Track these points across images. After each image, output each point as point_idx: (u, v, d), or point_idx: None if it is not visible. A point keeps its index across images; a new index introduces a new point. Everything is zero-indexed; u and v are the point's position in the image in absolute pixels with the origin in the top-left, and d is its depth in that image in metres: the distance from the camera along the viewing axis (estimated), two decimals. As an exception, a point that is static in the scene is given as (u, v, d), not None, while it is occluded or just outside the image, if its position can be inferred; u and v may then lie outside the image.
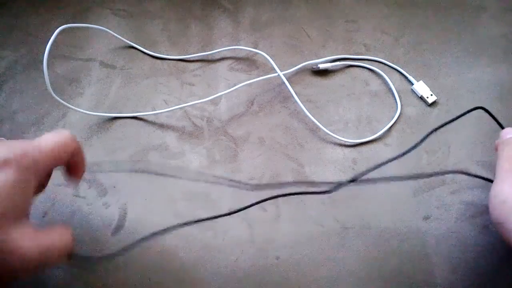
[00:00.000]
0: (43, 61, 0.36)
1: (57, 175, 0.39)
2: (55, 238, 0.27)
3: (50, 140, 0.28)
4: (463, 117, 0.42)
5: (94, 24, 0.44)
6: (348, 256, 0.36)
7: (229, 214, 0.36)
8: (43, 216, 0.37)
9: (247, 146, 0.41)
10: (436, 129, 0.38)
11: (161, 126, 0.42)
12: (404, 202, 0.38)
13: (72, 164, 0.30)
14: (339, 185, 0.37)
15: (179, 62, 0.45)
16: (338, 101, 0.43)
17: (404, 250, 0.36)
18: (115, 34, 0.45)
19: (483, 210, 0.37)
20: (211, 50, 0.45)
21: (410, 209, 0.38)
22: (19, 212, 0.25)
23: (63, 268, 0.35)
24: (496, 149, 0.34)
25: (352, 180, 0.37)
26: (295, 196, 0.38)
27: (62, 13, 0.48)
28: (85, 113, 0.41)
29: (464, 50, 0.46)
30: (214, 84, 0.44)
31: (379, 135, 0.41)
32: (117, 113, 0.42)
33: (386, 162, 0.37)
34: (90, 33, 0.47)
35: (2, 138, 0.31)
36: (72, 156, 0.29)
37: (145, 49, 0.46)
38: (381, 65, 0.45)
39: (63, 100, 0.40)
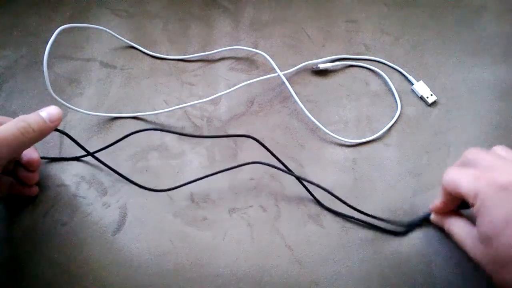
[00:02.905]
0: (43, 61, 0.36)
1: (57, 175, 0.39)
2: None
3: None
4: (463, 118, 0.42)
5: (94, 24, 0.44)
6: (348, 256, 0.36)
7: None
8: (43, 216, 0.37)
9: (247, 146, 0.41)
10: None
11: (161, 126, 0.42)
12: (404, 202, 0.38)
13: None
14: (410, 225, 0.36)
15: (179, 62, 0.45)
16: (338, 101, 0.43)
17: (404, 250, 0.36)
18: (115, 34, 0.45)
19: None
20: (211, 50, 0.45)
21: (410, 209, 0.38)
22: None
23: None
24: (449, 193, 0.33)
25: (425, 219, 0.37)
26: (295, 196, 0.38)
27: (62, 13, 0.48)
28: (85, 113, 0.41)
29: (464, 50, 0.46)
30: (214, 84, 0.44)
31: (379, 135, 0.41)
32: (117, 113, 0.42)
33: None
34: (90, 33, 0.47)
35: None
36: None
37: (145, 49, 0.46)
38: (381, 65, 0.45)
39: (63, 100, 0.40)
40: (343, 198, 0.38)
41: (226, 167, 0.37)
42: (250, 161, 0.37)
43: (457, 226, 0.32)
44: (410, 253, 0.36)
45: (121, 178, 0.39)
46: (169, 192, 0.38)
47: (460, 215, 0.34)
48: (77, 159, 0.40)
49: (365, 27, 0.47)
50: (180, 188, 0.38)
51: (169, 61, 0.45)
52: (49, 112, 0.33)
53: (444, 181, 0.32)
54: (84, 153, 0.38)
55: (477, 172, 0.30)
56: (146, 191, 0.38)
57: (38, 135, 0.32)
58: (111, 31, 0.44)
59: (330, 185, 0.39)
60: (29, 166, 0.36)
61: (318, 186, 0.35)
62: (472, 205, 0.29)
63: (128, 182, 0.38)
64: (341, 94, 0.43)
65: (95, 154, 0.38)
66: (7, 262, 0.35)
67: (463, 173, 0.30)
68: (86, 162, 0.40)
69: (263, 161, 0.37)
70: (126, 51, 0.46)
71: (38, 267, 0.35)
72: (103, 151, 0.40)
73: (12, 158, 0.34)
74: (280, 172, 0.39)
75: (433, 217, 0.36)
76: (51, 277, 0.35)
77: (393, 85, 0.43)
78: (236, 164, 0.37)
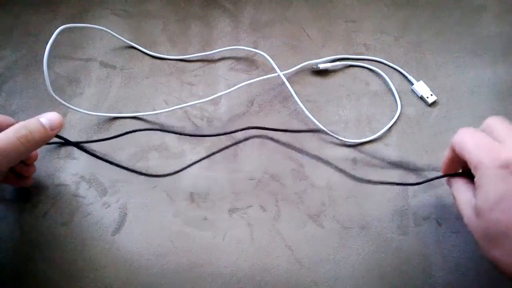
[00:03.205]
0: (43, 61, 0.36)
1: (56, 174, 0.39)
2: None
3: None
4: (463, 118, 0.42)
5: (94, 24, 0.44)
6: (348, 256, 0.36)
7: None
8: (43, 216, 0.37)
9: (247, 146, 0.41)
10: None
11: (161, 126, 0.42)
12: (404, 202, 0.38)
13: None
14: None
15: (179, 62, 0.45)
16: (338, 101, 0.43)
17: (404, 250, 0.36)
18: (115, 34, 0.45)
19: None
20: (211, 50, 0.45)
21: (410, 209, 0.38)
22: None
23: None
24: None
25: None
26: (295, 196, 0.38)
27: (62, 13, 0.48)
28: (85, 113, 0.41)
29: (464, 50, 0.46)
30: (214, 84, 0.44)
31: (379, 135, 0.41)
32: (117, 113, 0.42)
33: None
34: (90, 33, 0.47)
35: None
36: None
37: (145, 49, 0.46)
38: (381, 65, 0.45)
39: (63, 100, 0.40)
40: (343, 198, 0.38)
41: (226, 168, 0.37)
42: (251, 160, 0.37)
43: (460, 192, 0.32)
44: (410, 253, 0.36)
45: (120, 178, 0.39)
46: (169, 192, 0.38)
47: (468, 180, 0.32)
48: (68, 144, 0.40)
49: (365, 27, 0.47)
50: (180, 188, 0.38)
51: (169, 61, 0.45)
52: (50, 119, 0.31)
53: (454, 140, 0.32)
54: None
55: (487, 141, 0.29)
56: (146, 191, 0.38)
57: (38, 144, 0.31)
58: (111, 31, 0.44)
59: (330, 185, 0.39)
60: (26, 161, 0.36)
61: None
62: (474, 174, 0.29)
63: (128, 182, 0.38)
64: (341, 94, 0.43)
65: (85, 145, 0.39)
66: (7, 262, 0.35)
67: (473, 138, 0.30)
68: (86, 162, 0.40)
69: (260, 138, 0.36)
70: (126, 51, 0.46)
71: (38, 267, 0.35)
72: (102, 150, 0.40)
73: None
74: (281, 172, 0.39)
75: (447, 181, 0.35)
76: (51, 277, 0.35)
77: (393, 85, 0.43)
78: (235, 164, 0.37)
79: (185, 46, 0.46)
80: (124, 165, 0.39)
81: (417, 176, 0.39)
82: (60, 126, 0.32)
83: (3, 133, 0.29)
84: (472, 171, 0.29)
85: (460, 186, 0.32)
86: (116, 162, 0.39)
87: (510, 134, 0.29)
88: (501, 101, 0.43)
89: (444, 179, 0.35)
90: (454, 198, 0.32)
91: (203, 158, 0.37)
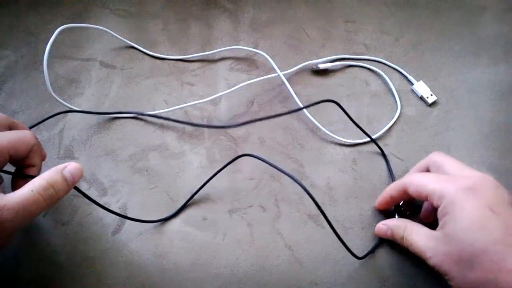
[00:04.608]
0: (43, 61, 0.36)
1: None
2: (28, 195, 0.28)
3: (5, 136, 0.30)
4: (463, 118, 0.42)
5: (94, 24, 0.44)
6: (348, 256, 0.36)
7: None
8: (43, 216, 0.37)
9: (247, 146, 0.41)
10: None
11: (161, 126, 0.42)
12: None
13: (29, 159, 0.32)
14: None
15: (179, 62, 0.45)
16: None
17: (404, 250, 0.36)
18: (115, 34, 0.45)
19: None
20: (211, 50, 0.45)
21: (410, 209, 0.38)
22: None
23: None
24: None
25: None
26: (295, 196, 0.38)
27: (62, 13, 0.48)
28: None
29: (464, 50, 0.46)
30: (214, 84, 0.44)
31: (379, 135, 0.41)
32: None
33: None
34: (90, 33, 0.47)
35: None
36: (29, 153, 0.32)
37: (145, 49, 0.46)
38: (381, 65, 0.45)
39: (63, 100, 0.40)
40: (343, 198, 0.38)
41: (226, 167, 0.37)
42: (251, 160, 0.37)
43: (416, 233, 0.32)
44: (411, 254, 0.36)
45: (121, 178, 0.39)
46: (169, 192, 0.38)
47: (413, 221, 0.33)
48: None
49: (365, 27, 0.47)
50: (179, 188, 0.38)
51: (169, 61, 0.45)
52: (72, 172, 0.30)
53: (407, 182, 0.33)
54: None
55: (443, 176, 0.31)
56: (146, 191, 0.38)
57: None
58: (111, 31, 0.44)
59: (330, 185, 0.39)
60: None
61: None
62: (437, 206, 0.30)
63: (128, 182, 0.39)
64: (341, 94, 0.43)
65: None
66: (7, 262, 0.35)
67: (430, 177, 0.32)
68: (86, 162, 0.40)
69: (254, 154, 0.36)
70: (126, 51, 0.46)
71: (38, 267, 0.35)
72: (102, 150, 0.40)
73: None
74: (280, 172, 0.39)
75: (379, 228, 0.35)
76: (51, 277, 0.35)
77: (393, 85, 0.43)
78: (235, 163, 0.37)
79: (185, 46, 0.46)
80: (124, 165, 0.39)
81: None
82: (79, 179, 0.31)
83: (26, 189, 0.28)
84: (436, 202, 0.30)
85: (412, 228, 0.33)
86: (116, 162, 0.39)
87: (462, 168, 0.31)
88: (501, 101, 0.43)
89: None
90: (409, 241, 0.32)
91: (217, 172, 0.37)
